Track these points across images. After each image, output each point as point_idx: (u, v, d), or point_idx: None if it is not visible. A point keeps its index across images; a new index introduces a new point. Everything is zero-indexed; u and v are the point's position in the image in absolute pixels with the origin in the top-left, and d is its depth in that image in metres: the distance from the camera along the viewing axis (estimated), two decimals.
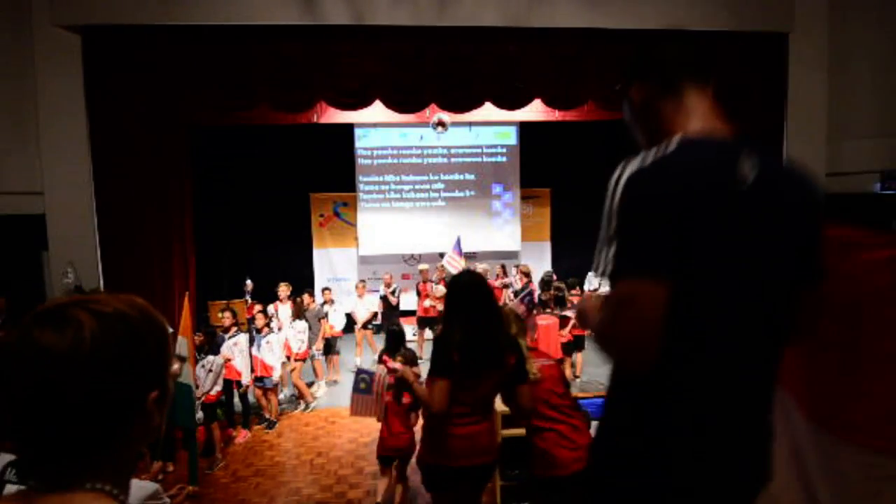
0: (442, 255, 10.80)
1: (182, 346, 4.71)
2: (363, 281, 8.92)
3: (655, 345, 1.05)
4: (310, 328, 7.02)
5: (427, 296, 8.58)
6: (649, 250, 1.07)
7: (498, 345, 2.32)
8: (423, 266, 9.23)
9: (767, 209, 1.10)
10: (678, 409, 1.10)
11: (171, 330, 5.06)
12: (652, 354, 1.05)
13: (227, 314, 6.22)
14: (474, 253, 10.78)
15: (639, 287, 1.06)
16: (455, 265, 8.83)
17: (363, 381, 4.45)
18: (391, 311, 8.48)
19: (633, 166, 1.15)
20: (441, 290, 8.24)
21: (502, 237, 10.88)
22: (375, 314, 8.65)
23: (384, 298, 8.54)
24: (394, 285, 8.70)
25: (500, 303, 8.62)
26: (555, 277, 8.44)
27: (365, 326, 8.46)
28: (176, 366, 5.03)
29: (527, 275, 8.59)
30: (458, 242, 9.37)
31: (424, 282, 8.80)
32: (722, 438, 1.10)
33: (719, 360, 1.09)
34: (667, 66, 1.25)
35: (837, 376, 1.48)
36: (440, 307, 7.90)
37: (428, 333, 8.44)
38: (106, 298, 0.79)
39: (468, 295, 2.36)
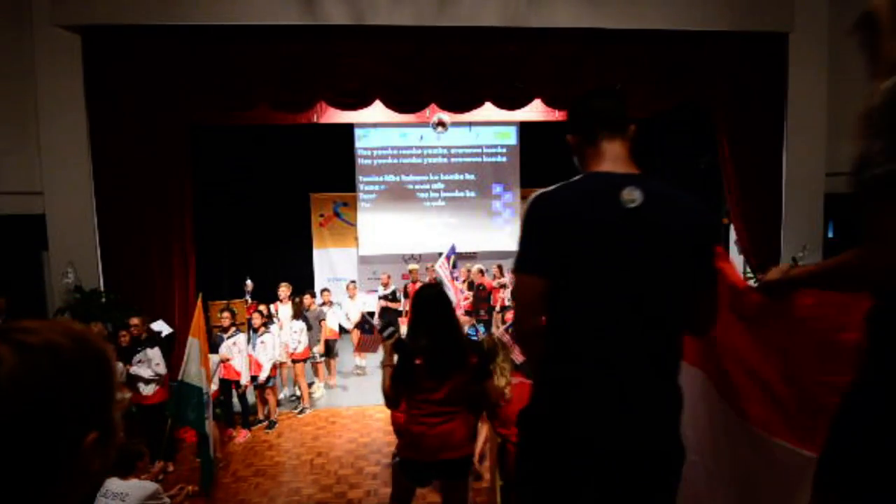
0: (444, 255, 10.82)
1: (194, 347, 4.69)
2: (353, 282, 8.77)
3: (532, 318, 1.50)
4: (309, 328, 7.02)
5: None
6: (529, 254, 1.52)
7: (460, 347, 2.57)
8: (412, 266, 9.13)
9: (648, 227, 1.42)
10: (566, 367, 1.46)
11: (120, 364, 4.99)
12: (531, 324, 1.50)
13: (227, 314, 6.23)
14: (474, 253, 10.78)
15: (520, 280, 1.55)
16: (444, 271, 8.77)
17: (367, 324, 6.16)
18: (396, 314, 8.29)
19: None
20: None
21: (502, 237, 10.88)
22: (371, 314, 8.51)
23: (385, 299, 8.41)
24: (392, 286, 8.57)
25: (498, 303, 8.59)
26: None
27: (359, 328, 8.31)
28: (127, 394, 4.98)
29: None
30: (453, 249, 9.31)
31: (414, 282, 8.64)
32: (599, 392, 1.41)
33: (594, 336, 1.42)
34: (587, 122, 1.60)
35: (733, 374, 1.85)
36: None
37: None
38: (36, 326, 0.69)
39: (432, 307, 2.63)
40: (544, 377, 1.55)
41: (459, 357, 2.55)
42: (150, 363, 5.18)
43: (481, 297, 8.63)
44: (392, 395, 2.60)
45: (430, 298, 2.67)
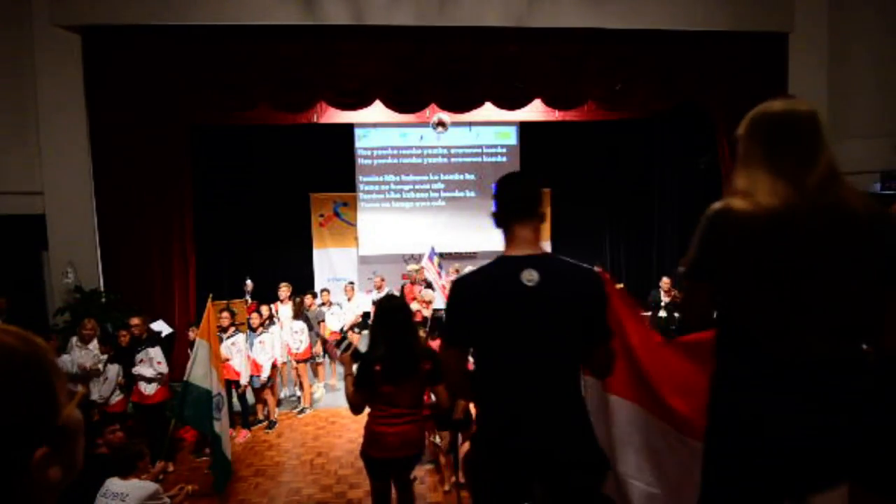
0: (442, 256, 10.80)
1: (202, 349, 4.67)
2: (351, 283, 8.71)
3: (456, 378, 1.96)
4: (310, 329, 7.01)
5: (413, 298, 8.20)
6: (450, 329, 1.92)
7: (414, 356, 2.82)
8: (412, 267, 8.96)
9: (544, 300, 1.76)
10: (485, 405, 1.93)
11: (68, 365, 4.90)
12: (461, 387, 2.02)
13: (226, 314, 6.22)
14: (474, 253, 10.77)
15: (444, 352, 1.97)
16: (431, 273, 8.71)
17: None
18: None
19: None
20: (429, 293, 8.02)
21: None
22: (367, 315, 8.21)
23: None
24: (386, 289, 8.18)
25: None
26: None
27: (353, 329, 8.01)
28: (79, 388, 4.94)
29: None
30: (433, 251, 9.23)
31: (412, 283, 8.43)
32: (509, 423, 1.80)
33: (501, 382, 1.82)
34: (503, 211, 1.99)
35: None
36: (426, 312, 7.75)
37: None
38: None
39: (391, 318, 2.89)
40: (478, 407, 2.01)
41: (413, 363, 2.80)
42: (152, 362, 5.18)
43: None
44: (355, 402, 2.85)
45: (389, 309, 2.94)
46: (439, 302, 7.90)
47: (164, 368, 5.23)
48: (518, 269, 1.79)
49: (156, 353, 5.22)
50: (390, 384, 2.79)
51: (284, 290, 7.31)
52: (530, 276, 1.77)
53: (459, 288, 1.92)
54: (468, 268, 8.75)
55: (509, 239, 1.94)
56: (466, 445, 3.95)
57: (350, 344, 3.11)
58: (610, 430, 2.38)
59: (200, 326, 4.78)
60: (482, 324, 1.81)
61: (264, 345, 6.21)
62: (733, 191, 1.47)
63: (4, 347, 0.65)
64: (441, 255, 9.55)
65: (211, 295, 5.06)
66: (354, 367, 2.87)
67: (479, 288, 1.86)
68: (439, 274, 8.45)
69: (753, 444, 1.43)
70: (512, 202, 1.96)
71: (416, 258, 10.71)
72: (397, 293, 8.57)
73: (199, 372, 4.58)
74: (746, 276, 1.43)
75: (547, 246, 11.46)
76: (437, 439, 4.66)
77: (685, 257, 1.58)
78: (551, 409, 1.79)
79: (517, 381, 1.80)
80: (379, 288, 8.21)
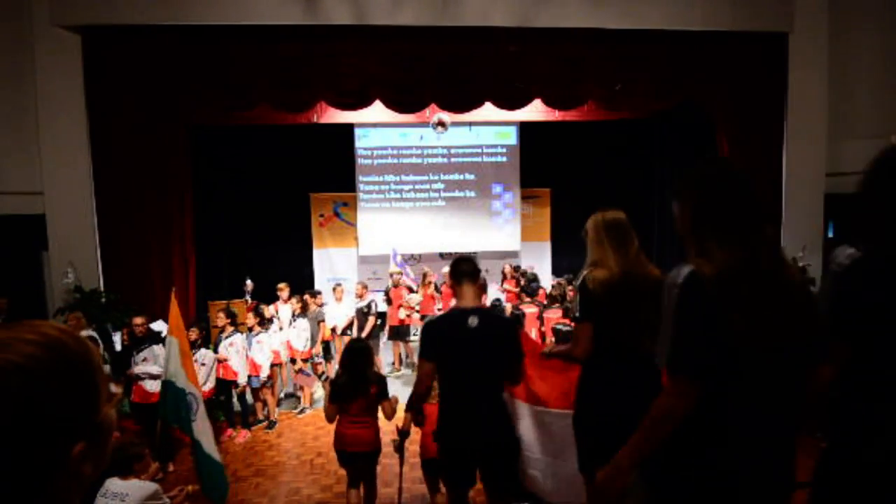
0: (442, 256, 10.80)
1: (174, 346, 4.66)
2: (339, 284, 8.64)
3: (428, 381, 2.87)
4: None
5: (401, 305, 7.85)
6: (423, 350, 2.81)
7: (366, 382, 3.75)
8: (393, 269, 8.58)
9: (480, 337, 2.72)
10: (443, 410, 2.88)
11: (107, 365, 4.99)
12: (427, 384, 2.90)
13: (221, 314, 6.17)
14: (475, 253, 10.78)
15: (421, 364, 2.85)
16: (408, 277, 8.55)
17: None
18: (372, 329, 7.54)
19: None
20: (417, 298, 7.85)
21: (502, 237, 10.88)
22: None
23: (361, 312, 7.60)
24: (368, 298, 7.69)
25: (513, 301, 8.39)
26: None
27: (344, 333, 7.83)
28: (117, 389, 4.97)
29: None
30: (395, 253, 9.05)
31: (395, 286, 8.07)
32: (458, 418, 2.80)
33: (453, 389, 2.82)
34: (457, 276, 2.88)
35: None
36: (416, 316, 7.68)
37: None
38: (8, 339, 0.65)
39: (354, 356, 3.80)
40: (440, 409, 2.91)
41: (365, 387, 3.74)
42: (158, 360, 5.20)
43: None
44: (328, 413, 3.82)
45: (353, 350, 3.85)
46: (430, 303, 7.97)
47: None
48: (466, 316, 2.76)
49: (161, 350, 5.23)
50: (349, 400, 3.74)
51: (284, 290, 7.31)
52: (473, 322, 2.73)
53: (427, 327, 2.86)
54: (444, 269, 8.60)
55: (459, 295, 2.87)
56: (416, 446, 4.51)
57: (326, 377, 4.11)
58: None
59: (169, 323, 4.74)
60: (442, 352, 2.76)
61: (262, 345, 6.20)
62: (591, 262, 2.57)
63: (61, 345, 0.68)
64: (413, 257, 9.55)
65: (174, 289, 5.05)
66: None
67: (440, 327, 2.84)
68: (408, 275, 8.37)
69: (601, 411, 2.46)
70: (464, 272, 2.85)
71: (417, 258, 10.72)
72: (383, 299, 8.33)
73: (172, 369, 4.56)
74: (604, 311, 2.46)
75: (546, 246, 11.54)
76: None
77: (574, 309, 2.63)
78: (485, 412, 2.76)
79: (463, 391, 2.78)
80: (361, 296, 7.70)
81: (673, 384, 1.60)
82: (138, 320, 5.43)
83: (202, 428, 4.42)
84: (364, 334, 7.28)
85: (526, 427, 3.28)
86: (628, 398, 2.14)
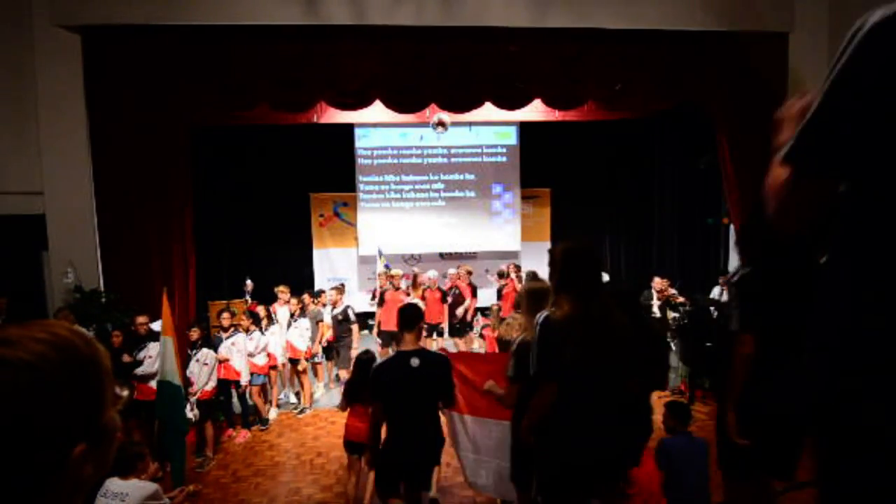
0: (442, 256, 10.80)
1: (169, 345, 4.70)
2: (342, 284, 8.56)
3: (380, 421, 3.45)
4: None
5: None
6: (373, 393, 3.43)
7: (364, 387, 4.05)
8: (380, 269, 8.39)
9: (421, 375, 3.24)
10: (392, 432, 3.45)
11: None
12: (374, 423, 3.52)
13: (226, 315, 6.22)
14: (474, 253, 10.78)
15: (374, 405, 3.50)
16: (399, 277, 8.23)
17: None
18: (341, 339, 7.15)
19: None
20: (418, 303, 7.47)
21: (502, 237, 10.88)
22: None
23: (336, 320, 7.19)
24: (343, 304, 7.32)
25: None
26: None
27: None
28: (125, 392, 5.04)
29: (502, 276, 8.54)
30: (380, 253, 8.76)
31: (396, 289, 7.82)
32: (404, 438, 3.37)
33: (398, 420, 3.34)
34: (402, 324, 3.36)
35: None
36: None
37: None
38: (19, 336, 0.65)
39: (362, 365, 4.30)
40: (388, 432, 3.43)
41: (363, 391, 4.12)
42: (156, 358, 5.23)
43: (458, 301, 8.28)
44: (341, 406, 4.54)
45: (362, 360, 4.34)
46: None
47: None
48: (409, 357, 3.26)
49: (157, 348, 5.27)
50: (356, 398, 4.35)
51: (284, 292, 7.24)
52: (414, 362, 3.24)
53: (375, 371, 3.38)
54: (430, 272, 8.53)
55: (402, 341, 3.36)
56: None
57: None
58: (455, 429, 3.95)
59: (162, 323, 4.80)
60: (385, 391, 3.29)
61: (236, 346, 6.08)
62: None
63: (71, 345, 0.68)
64: (413, 257, 9.34)
65: (165, 289, 5.10)
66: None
67: (386, 368, 3.34)
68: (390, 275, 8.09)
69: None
70: (406, 318, 3.36)
71: (417, 258, 10.73)
72: (370, 303, 7.93)
73: (168, 368, 4.63)
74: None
75: (546, 246, 11.52)
76: None
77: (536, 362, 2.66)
78: (425, 432, 3.37)
79: (406, 422, 3.31)
80: (335, 304, 7.30)
81: (541, 387, 2.57)
82: (141, 319, 5.46)
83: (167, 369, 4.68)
84: (355, 345, 6.93)
85: (460, 432, 3.96)
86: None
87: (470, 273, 8.56)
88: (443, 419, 3.65)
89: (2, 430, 0.61)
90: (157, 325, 5.95)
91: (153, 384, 5.19)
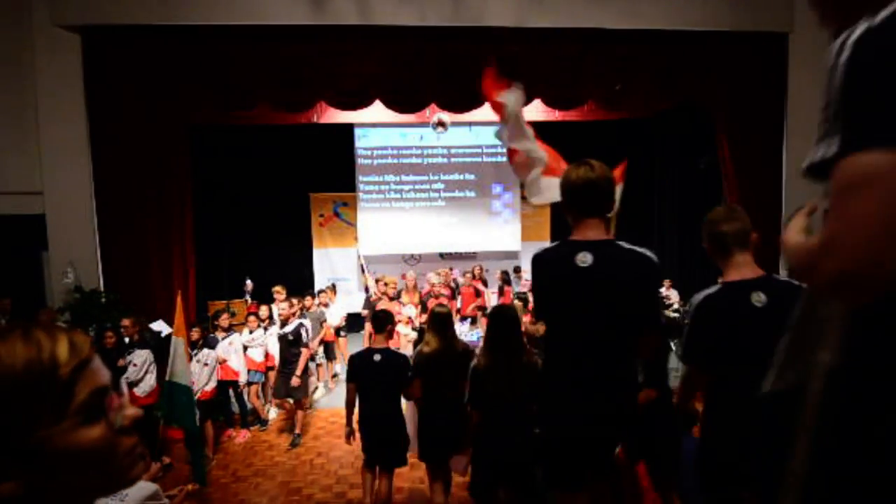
0: (442, 256, 10.80)
1: (180, 346, 4.70)
2: (334, 284, 8.51)
3: (352, 400, 3.69)
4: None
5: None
6: (349, 376, 4.02)
7: None
8: (389, 278, 8.02)
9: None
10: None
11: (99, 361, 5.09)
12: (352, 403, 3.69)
13: (226, 315, 6.19)
14: (474, 253, 10.78)
15: (347, 387, 4.05)
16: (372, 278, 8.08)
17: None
18: (286, 364, 5.93)
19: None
20: (411, 311, 7.17)
21: (502, 237, 10.87)
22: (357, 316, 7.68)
23: (285, 341, 5.97)
24: (296, 322, 6.01)
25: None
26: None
27: (338, 333, 7.74)
28: (136, 411, 5.02)
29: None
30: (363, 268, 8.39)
31: (391, 298, 7.31)
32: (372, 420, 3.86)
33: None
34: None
35: None
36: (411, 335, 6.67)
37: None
38: None
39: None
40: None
41: None
42: (145, 363, 5.26)
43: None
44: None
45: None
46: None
47: (154, 370, 5.36)
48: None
49: (149, 354, 5.30)
50: None
51: (280, 293, 7.21)
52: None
53: (352, 357, 3.91)
54: (431, 276, 8.47)
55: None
56: None
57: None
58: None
59: (174, 324, 4.81)
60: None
61: (233, 346, 6.08)
62: None
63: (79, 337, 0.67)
64: (413, 257, 9.12)
65: (179, 292, 5.10)
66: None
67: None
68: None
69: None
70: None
71: (417, 258, 10.72)
72: (366, 314, 7.37)
73: (178, 369, 4.63)
74: None
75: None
76: None
77: None
78: (387, 414, 3.92)
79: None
80: (286, 320, 6.14)
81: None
82: (125, 322, 5.40)
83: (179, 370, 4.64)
84: (298, 371, 5.80)
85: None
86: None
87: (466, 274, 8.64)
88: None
89: None
90: (156, 326, 5.96)
91: (138, 391, 5.21)
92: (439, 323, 3.81)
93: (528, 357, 3.31)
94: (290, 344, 5.93)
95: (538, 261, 2.27)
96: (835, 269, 0.76)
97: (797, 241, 0.98)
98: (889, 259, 0.72)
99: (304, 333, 5.95)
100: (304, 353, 5.90)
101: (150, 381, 5.36)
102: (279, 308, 6.76)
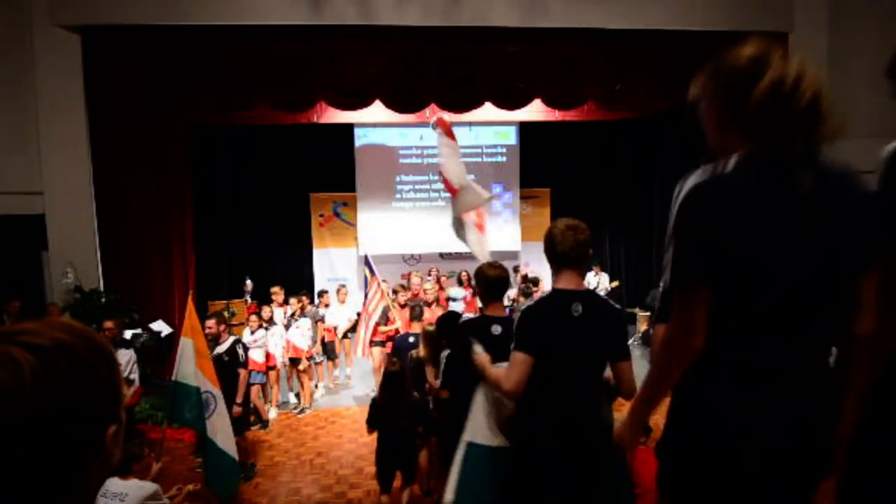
0: (442, 256, 10.79)
1: (188, 347, 4.66)
2: (343, 286, 8.47)
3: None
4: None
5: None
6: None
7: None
8: (415, 276, 7.91)
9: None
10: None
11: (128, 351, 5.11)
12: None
13: (213, 321, 5.81)
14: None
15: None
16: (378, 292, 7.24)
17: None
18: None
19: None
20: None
21: (502, 237, 10.87)
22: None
23: (220, 361, 4.79)
24: (230, 340, 5.04)
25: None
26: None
27: (346, 336, 7.61)
28: (130, 390, 5.01)
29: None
30: (369, 261, 7.67)
31: (403, 306, 6.88)
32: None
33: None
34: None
35: None
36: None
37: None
38: (38, 327, 0.67)
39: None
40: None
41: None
42: (130, 364, 5.26)
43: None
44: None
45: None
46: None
47: (136, 371, 5.35)
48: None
49: (132, 355, 5.31)
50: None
51: (279, 294, 7.17)
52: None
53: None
54: (415, 278, 8.28)
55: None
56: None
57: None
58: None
59: (184, 324, 4.74)
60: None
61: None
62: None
63: (84, 329, 0.71)
64: (413, 257, 9.03)
65: (191, 293, 5.03)
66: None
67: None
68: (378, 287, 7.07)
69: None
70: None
71: (417, 258, 10.72)
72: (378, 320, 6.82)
73: (186, 370, 4.56)
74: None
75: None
76: None
77: None
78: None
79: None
80: (217, 337, 5.02)
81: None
82: (108, 324, 5.25)
83: (219, 426, 4.40)
84: (238, 398, 4.92)
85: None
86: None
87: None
88: None
89: (52, 409, 0.62)
90: (156, 326, 5.95)
91: (128, 392, 5.22)
92: (392, 381, 4.10)
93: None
94: (226, 364, 4.86)
95: (536, 310, 2.43)
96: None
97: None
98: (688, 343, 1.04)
99: (240, 352, 5.02)
100: (243, 375, 4.98)
101: (133, 381, 5.36)
102: (289, 309, 6.88)
